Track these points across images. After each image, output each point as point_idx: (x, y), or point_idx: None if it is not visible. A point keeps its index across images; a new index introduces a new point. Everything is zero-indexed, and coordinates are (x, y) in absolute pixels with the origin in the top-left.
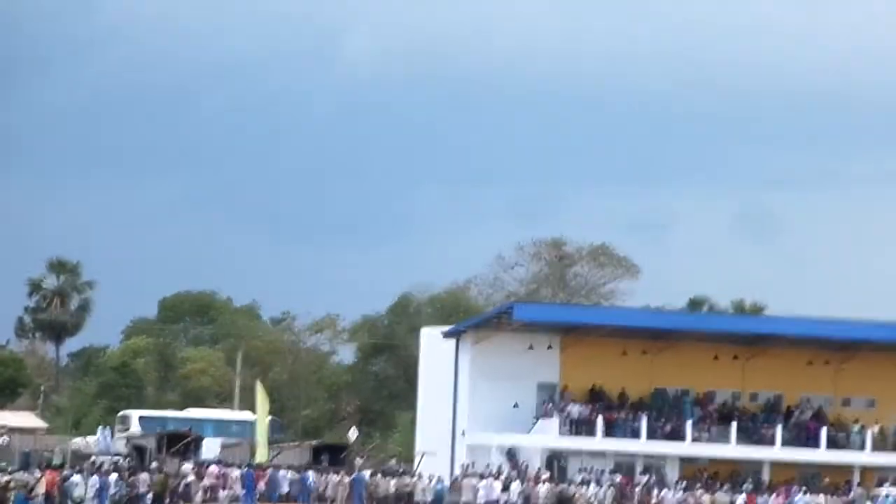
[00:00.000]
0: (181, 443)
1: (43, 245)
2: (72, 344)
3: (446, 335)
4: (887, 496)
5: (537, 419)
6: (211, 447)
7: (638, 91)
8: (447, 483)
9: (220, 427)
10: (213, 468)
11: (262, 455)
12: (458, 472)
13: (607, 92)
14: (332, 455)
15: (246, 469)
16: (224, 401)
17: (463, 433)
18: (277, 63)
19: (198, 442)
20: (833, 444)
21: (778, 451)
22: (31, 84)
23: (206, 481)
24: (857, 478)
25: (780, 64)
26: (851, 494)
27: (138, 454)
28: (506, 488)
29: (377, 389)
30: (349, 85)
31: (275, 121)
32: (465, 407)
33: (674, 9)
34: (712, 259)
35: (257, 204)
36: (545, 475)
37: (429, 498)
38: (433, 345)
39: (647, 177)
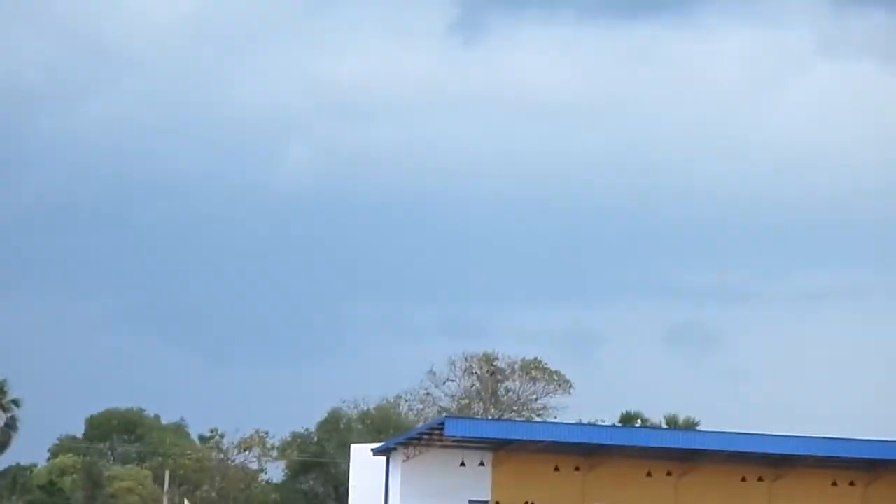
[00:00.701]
0: None
1: None
2: None
3: (376, 452)
4: None
5: None
6: None
7: (568, 207)
8: None
9: None
10: None
11: None
12: None
13: (537, 208)
14: None
15: None
16: None
17: None
18: (209, 180)
19: None
20: None
21: None
22: None
23: None
24: None
25: (711, 177)
26: None
27: None
28: None
29: None
30: (281, 201)
31: (205, 238)
32: None
33: (603, 123)
34: (645, 374)
35: (186, 321)
36: None
37: None
38: (363, 462)
39: (579, 292)
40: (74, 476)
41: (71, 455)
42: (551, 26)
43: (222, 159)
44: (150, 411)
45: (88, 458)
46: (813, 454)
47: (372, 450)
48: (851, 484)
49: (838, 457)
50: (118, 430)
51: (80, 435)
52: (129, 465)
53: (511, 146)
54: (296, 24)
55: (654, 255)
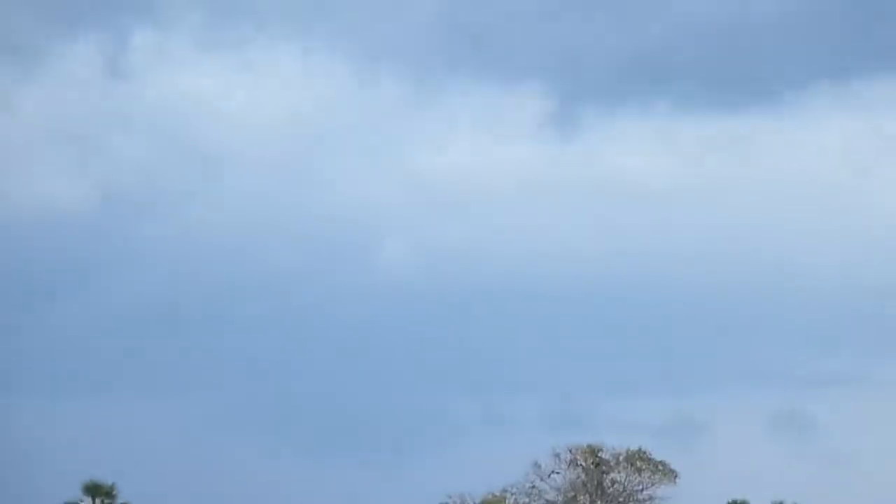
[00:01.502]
0: None
1: (77, 468)
2: None
3: None
4: None
5: None
6: None
7: (667, 294)
8: None
9: None
10: None
11: None
12: None
13: (637, 296)
14: None
15: None
16: None
17: None
18: (308, 276)
19: None
20: None
21: None
22: (67, 301)
23: None
24: None
25: (809, 263)
26: None
27: None
28: None
29: None
30: (380, 296)
31: (306, 334)
32: None
33: (703, 210)
34: (749, 461)
35: (288, 419)
36: None
37: None
38: None
39: (681, 380)
40: None
41: None
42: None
43: (321, 255)
44: None
45: None
46: None
47: None
48: None
49: None
50: None
51: None
52: None
53: (608, 234)
54: (392, 118)
55: (754, 343)
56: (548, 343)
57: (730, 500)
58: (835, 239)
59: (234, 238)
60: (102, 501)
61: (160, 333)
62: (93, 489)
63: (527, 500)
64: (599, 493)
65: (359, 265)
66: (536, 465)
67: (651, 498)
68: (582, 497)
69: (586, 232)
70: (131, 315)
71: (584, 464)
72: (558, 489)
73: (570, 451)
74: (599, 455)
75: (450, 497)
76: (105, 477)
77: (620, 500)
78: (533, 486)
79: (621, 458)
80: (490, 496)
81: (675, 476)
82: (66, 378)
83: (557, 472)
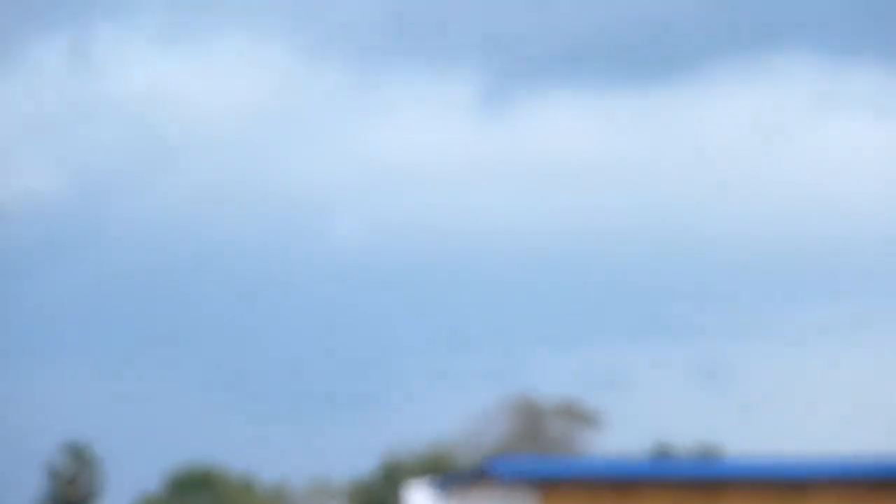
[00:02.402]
0: None
1: (54, 427)
2: None
3: (429, 492)
4: None
5: None
6: None
7: (597, 261)
8: None
9: None
10: None
11: None
12: None
13: (571, 263)
14: None
15: None
16: None
17: None
18: (262, 250)
19: None
20: None
21: None
22: (45, 276)
23: None
24: None
25: (726, 215)
26: None
27: None
28: None
29: None
30: (330, 270)
31: (263, 304)
32: None
33: (632, 183)
34: (673, 409)
35: (246, 385)
36: None
37: None
38: (416, 501)
39: (609, 335)
40: None
41: None
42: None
43: (276, 231)
44: (218, 466)
45: None
46: (837, 476)
47: (423, 489)
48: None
49: (862, 477)
50: (192, 486)
51: (157, 492)
52: None
53: (544, 209)
54: (338, 102)
55: (677, 301)
56: (489, 306)
57: (654, 443)
58: (750, 204)
59: (195, 217)
60: (78, 460)
61: (130, 304)
62: (69, 450)
63: (468, 449)
64: (535, 440)
65: (312, 240)
66: (475, 417)
67: (582, 445)
68: (518, 445)
69: (522, 206)
70: (103, 286)
71: (519, 414)
72: (495, 439)
73: (506, 403)
74: (534, 406)
75: (395, 447)
76: (82, 438)
77: (554, 448)
78: (472, 437)
79: (555, 408)
80: (434, 445)
81: (604, 424)
82: (45, 345)
83: (495, 424)
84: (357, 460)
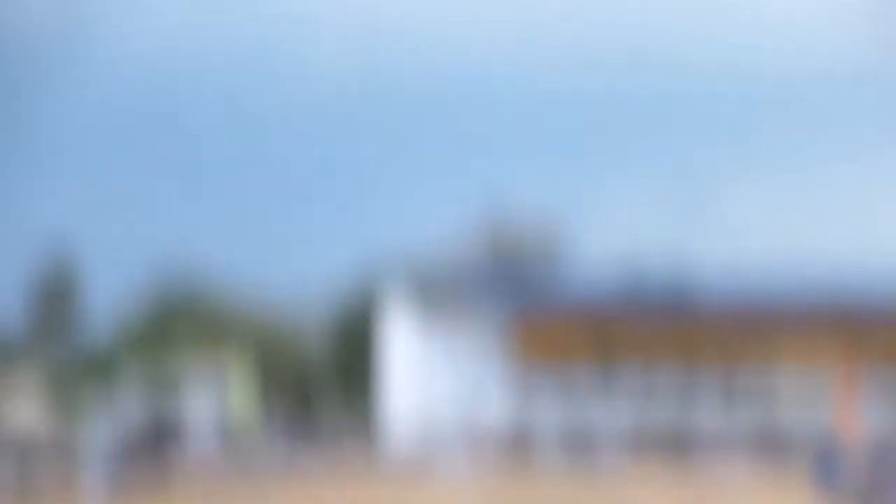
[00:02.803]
0: None
1: (35, 241)
2: None
3: (409, 315)
4: None
5: (495, 393)
6: None
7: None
8: None
9: None
10: None
11: None
12: (421, 444)
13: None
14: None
15: None
16: None
17: (425, 408)
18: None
19: None
20: None
21: None
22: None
23: None
24: None
25: (707, 42)
26: None
27: None
28: None
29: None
30: (303, 85)
31: (237, 111)
32: (426, 383)
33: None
34: (651, 231)
35: (219, 187)
36: (504, 446)
37: None
38: (396, 324)
39: (582, 157)
40: None
41: None
42: None
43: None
44: (202, 287)
45: None
46: None
47: (405, 313)
48: None
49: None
50: (175, 314)
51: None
52: None
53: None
54: None
55: (654, 126)
56: (464, 120)
57: (629, 264)
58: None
59: (178, 29)
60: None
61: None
62: (54, 263)
63: (440, 270)
64: (510, 262)
65: (293, 51)
66: (449, 236)
67: (559, 267)
68: (493, 266)
69: (502, 17)
70: (84, 102)
71: (494, 234)
72: (469, 259)
73: (481, 222)
74: (510, 225)
75: (366, 265)
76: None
77: (530, 269)
78: (446, 257)
79: (531, 227)
80: (408, 261)
81: (581, 246)
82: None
83: (469, 243)
84: (332, 274)
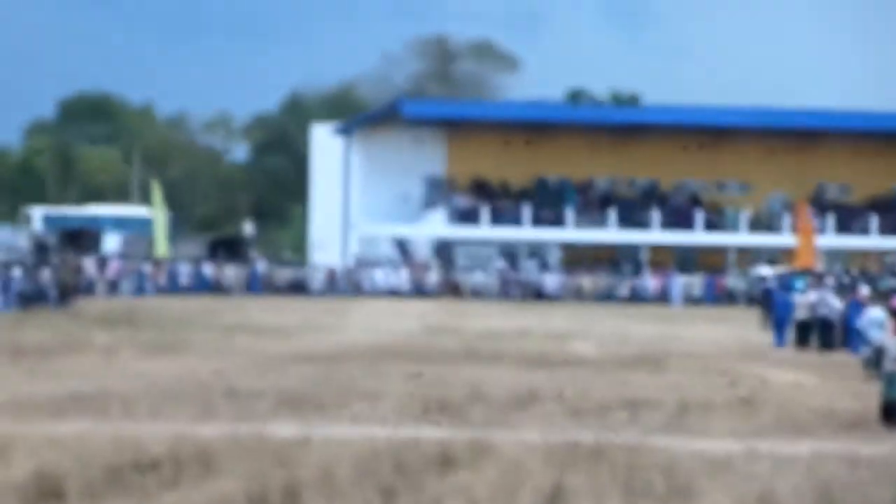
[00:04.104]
0: (83, 238)
1: None
2: None
3: (336, 132)
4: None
5: (425, 210)
6: (113, 242)
7: None
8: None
9: (122, 223)
10: (115, 263)
11: (161, 249)
12: (350, 262)
13: None
14: (229, 248)
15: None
16: (123, 198)
17: (355, 225)
18: None
19: (98, 237)
20: (709, 226)
21: (655, 235)
22: None
23: (108, 275)
24: (732, 259)
25: None
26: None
27: (41, 250)
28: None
29: (271, 185)
30: None
31: None
32: (356, 201)
33: None
34: (588, 52)
35: (143, 7)
36: (434, 263)
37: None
38: (324, 141)
39: None
40: (47, 156)
41: (44, 137)
42: None
43: None
44: (119, 92)
45: (61, 139)
46: (751, 124)
47: (332, 129)
48: (789, 152)
49: (776, 126)
50: (89, 114)
51: (52, 118)
52: (99, 146)
53: None
54: None
55: None
56: None
57: (569, 88)
58: None
59: None
60: None
61: None
62: None
63: (378, 88)
64: (447, 82)
65: None
66: (386, 55)
67: (496, 88)
68: (430, 86)
69: None
70: None
71: (432, 54)
72: (407, 78)
73: (419, 42)
74: (446, 45)
75: (303, 84)
76: None
77: (466, 89)
78: (383, 76)
79: (466, 48)
80: (343, 84)
81: (518, 65)
82: None
83: (407, 63)
84: (260, 96)
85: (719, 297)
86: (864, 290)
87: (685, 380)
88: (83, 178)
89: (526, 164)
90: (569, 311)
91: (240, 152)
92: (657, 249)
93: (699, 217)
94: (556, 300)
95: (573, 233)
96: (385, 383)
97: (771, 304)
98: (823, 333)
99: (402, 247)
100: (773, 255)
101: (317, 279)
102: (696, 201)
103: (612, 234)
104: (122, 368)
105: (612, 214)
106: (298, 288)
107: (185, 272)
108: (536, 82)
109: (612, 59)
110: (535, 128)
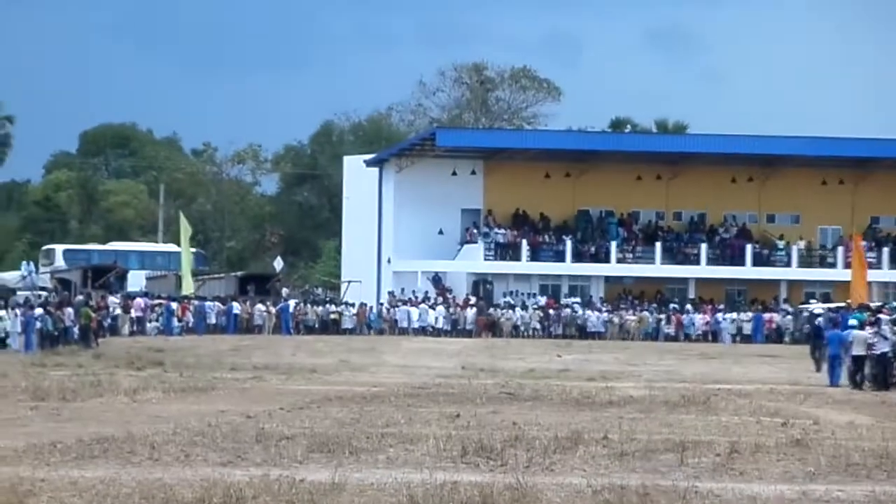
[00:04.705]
0: (106, 276)
1: None
2: None
3: (369, 163)
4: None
5: (462, 245)
6: (136, 280)
7: None
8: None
9: (145, 259)
10: (140, 300)
11: (187, 287)
12: (384, 299)
13: None
14: (259, 285)
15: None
16: (148, 233)
17: (389, 260)
18: None
19: (123, 275)
20: (758, 260)
21: (703, 270)
22: None
23: (133, 313)
24: (783, 294)
25: None
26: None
27: (64, 288)
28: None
29: (301, 219)
30: None
31: None
32: (389, 234)
33: None
34: (631, 79)
35: (169, 34)
36: (472, 300)
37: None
38: (356, 173)
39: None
40: (70, 191)
41: (66, 170)
42: None
43: None
44: (143, 126)
45: (83, 173)
46: (802, 154)
47: (365, 161)
48: (841, 182)
49: (827, 156)
50: (112, 145)
51: (73, 151)
52: (123, 180)
53: None
54: None
55: None
56: None
57: (613, 118)
58: None
59: None
60: None
61: None
62: None
63: (412, 118)
64: (484, 111)
65: None
66: (421, 84)
67: (535, 116)
68: (467, 115)
69: None
70: None
71: (468, 82)
72: (443, 107)
73: (455, 69)
74: (484, 73)
75: (335, 114)
76: None
77: (505, 117)
78: (419, 105)
79: (506, 75)
80: (376, 114)
81: (559, 93)
82: None
83: (443, 91)
84: (290, 127)
85: (769, 334)
86: None
87: (735, 420)
88: (107, 213)
89: (567, 195)
90: (613, 349)
91: (269, 185)
92: (705, 284)
93: (748, 251)
94: (599, 338)
95: (617, 268)
96: (422, 425)
97: (822, 341)
98: (879, 371)
99: (438, 282)
100: (825, 290)
101: (350, 317)
102: (745, 234)
103: (657, 268)
104: (148, 411)
105: (658, 248)
106: (331, 326)
107: (213, 310)
108: (577, 111)
109: (656, 87)
110: (576, 158)
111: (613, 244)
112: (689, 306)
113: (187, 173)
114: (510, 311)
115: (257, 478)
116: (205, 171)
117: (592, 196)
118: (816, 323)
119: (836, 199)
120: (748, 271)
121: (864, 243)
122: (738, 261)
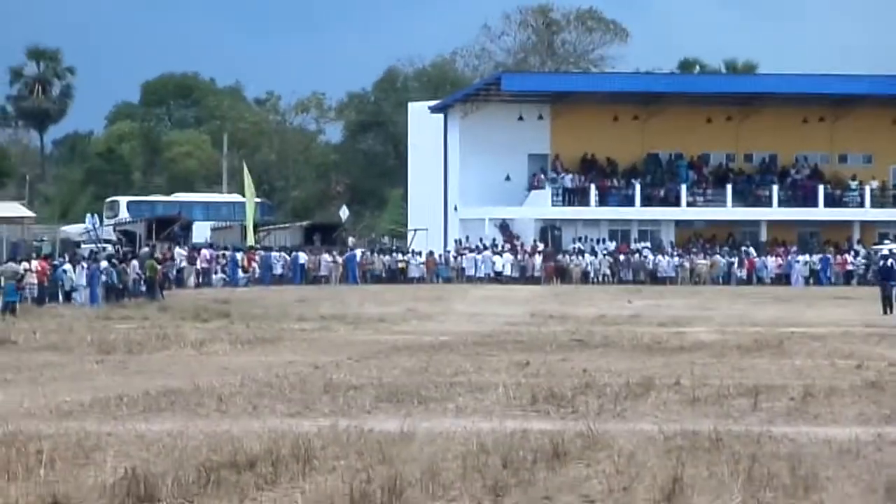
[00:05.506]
0: (171, 227)
1: (21, 33)
2: (55, 131)
3: (434, 109)
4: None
5: (529, 190)
6: (201, 231)
7: None
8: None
9: (210, 210)
10: (205, 252)
11: (251, 238)
12: (451, 247)
13: None
14: (324, 235)
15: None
16: (212, 184)
17: (455, 208)
18: None
19: (188, 226)
20: (831, 201)
21: (775, 212)
22: None
23: (199, 265)
24: (856, 235)
25: None
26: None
27: (128, 240)
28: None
29: (366, 167)
30: None
31: None
32: (455, 181)
33: None
34: (700, 20)
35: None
36: (540, 246)
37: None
38: (421, 120)
39: None
40: (132, 142)
41: (128, 121)
42: None
43: None
44: (205, 75)
45: (146, 123)
46: (874, 93)
47: (430, 107)
48: None
49: None
50: (174, 96)
51: (136, 101)
52: (186, 130)
53: None
54: None
55: None
56: None
57: (681, 59)
58: None
59: None
60: (47, 66)
61: None
62: (37, 54)
63: (477, 62)
64: (550, 53)
65: None
66: (486, 28)
67: (602, 58)
68: (532, 58)
69: None
70: None
71: (534, 24)
72: (508, 51)
73: (520, 12)
74: (549, 16)
75: (399, 60)
76: (49, 42)
77: (571, 60)
78: (483, 49)
79: (572, 17)
80: (440, 59)
81: (627, 35)
82: None
83: (508, 35)
84: (354, 75)
85: (842, 275)
86: None
87: (809, 364)
88: (170, 164)
89: (636, 139)
90: (684, 294)
91: (334, 134)
92: (777, 227)
93: (820, 192)
94: (670, 283)
95: (687, 211)
96: (491, 374)
97: (891, 282)
98: None
99: (506, 229)
100: None
101: (417, 265)
102: (817, 176)
103: (728, 211)
104: (215, 363)
105: (729, 191)
106: (398, 275)
107: (279, 261)
108: (645, 53)
109: (724, 27)
110: (644, 100)
111: (683, 187)
112: (762, 249)
113: (251, 123)
114: (579, 258)
115: (326, 428)
116: (268, 121)
117: (661, 139)
118: (887, 264)
119: None
120: (820, 212)
121: None
122: (811, 202)
